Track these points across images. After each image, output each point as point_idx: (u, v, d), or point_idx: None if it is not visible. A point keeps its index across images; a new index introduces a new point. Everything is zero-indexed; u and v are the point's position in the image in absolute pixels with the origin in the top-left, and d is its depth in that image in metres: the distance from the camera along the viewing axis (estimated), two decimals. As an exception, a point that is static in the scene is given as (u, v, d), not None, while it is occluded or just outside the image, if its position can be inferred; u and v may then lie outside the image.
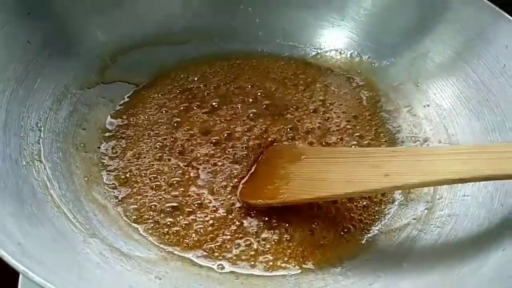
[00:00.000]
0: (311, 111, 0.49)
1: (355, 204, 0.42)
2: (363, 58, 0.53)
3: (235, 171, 0.44)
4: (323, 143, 0.46)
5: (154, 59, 0.51)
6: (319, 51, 0.54)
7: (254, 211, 0.41)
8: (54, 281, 0.28)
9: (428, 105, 0.49)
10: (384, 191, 0.42)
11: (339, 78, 0.53)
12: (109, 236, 0.37)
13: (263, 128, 0.47)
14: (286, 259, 0.38)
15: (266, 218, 0.40)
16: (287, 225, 0.40)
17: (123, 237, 0.38)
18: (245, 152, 0.45)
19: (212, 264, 0.38)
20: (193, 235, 0.39)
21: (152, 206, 0.41)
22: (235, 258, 0.38)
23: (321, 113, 0.49)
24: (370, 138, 0.47)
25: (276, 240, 0.39)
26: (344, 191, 0.38)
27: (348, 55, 0.54)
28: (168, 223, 0.40)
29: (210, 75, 0.52)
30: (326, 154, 0.43)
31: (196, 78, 0.51)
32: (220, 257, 0.38)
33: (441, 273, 0.34)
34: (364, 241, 0.40)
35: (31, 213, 0.35)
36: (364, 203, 0.42)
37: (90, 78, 0.48)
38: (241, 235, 0.39)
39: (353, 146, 0.46)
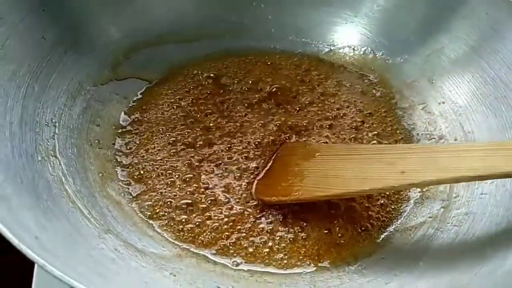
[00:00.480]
0: (325, 108, 0.48)
1: (372, 202, 0.41)
2: (377, 55, 0.52)
3: (250, 168, 0.43)
4: (338, 140, 0.45)
5: (167, 56, 0.50)
6: (332, 48, 0.53)
7: (270, 209, 0.40)
8: (71, 275, 0.27)
9: (443, 102, 0.48)
10: (401, 189, 0.41)
11: (353, 75, 0.51)
12: (124, 232, 0.37)
13: (277, 125, 0.46)
14: (301, 257, 0.37)
15: (282, 216, 0.40)
16: (303, 223, 0.39)
17: (137, 233, 0.38)
18: (259, 149, 0.44)
19: (227, 261, 0.37)
20: (208, 232, 0.39)
21: (167, 203, 0.40)
22: (249, 255, 0.38)
23: (335, 110, 0.48)
24: (385, 135, 0.46)
25: (291, 239, 0.39)
26: (360, 188, 0.37)
27: (362, 52, 0.53)
28: (183, 220, 0.39)
29: (222, 72, 0.51)
30: (340, 151, 0.42)
31: (208, 75, 0.50)
32: (235, 254, 0.38)
33: (459, 272, 0.34)
34: (380, 239, 0.39)
35: (47, 208, 0.34)
36: (382, 201, 0.41)
37: (104, 74, 0.47)
38: (256, 232, 0.39)
39: (368, 144, 0.45)
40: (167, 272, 0.35)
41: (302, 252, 0.38)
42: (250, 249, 0.38)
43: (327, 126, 0.47)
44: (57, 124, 0.42)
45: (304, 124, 0.47)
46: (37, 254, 0.28)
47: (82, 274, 0.29)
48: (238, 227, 0.39)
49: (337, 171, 0.39)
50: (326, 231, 0.39)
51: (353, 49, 0.53)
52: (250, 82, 0.50)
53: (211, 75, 0.50)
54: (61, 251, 0.30)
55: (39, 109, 0.41)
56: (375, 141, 0.46)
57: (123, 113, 0.46)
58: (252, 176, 0.42)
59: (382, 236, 0.39)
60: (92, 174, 0.41)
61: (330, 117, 0.47)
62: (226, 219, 0.40)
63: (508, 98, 0.43)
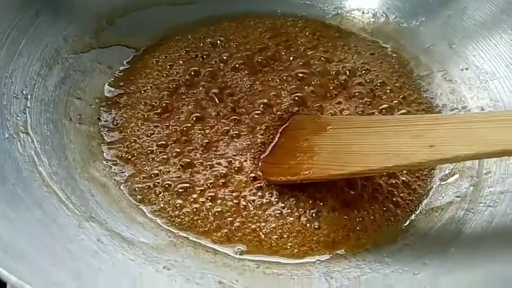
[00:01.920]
0: (333, 77, 0.41)
1: (394, 179, 0.35)
2: (389, 18, 0.46)
3: (255, 143, 0.37)
4: (349, 112, 0.39)
5: (156, 21, 0.44)
6: (339, 11, 0.47)
7: (278, 190, 0.34)
8: (37, 283, 0.21)
9: (466, 69, 0.41)
10: (431, 165, 0.35)
11: (362, 40, 0.45)
12: (109, 220, 0.31)
13: (282, 95, 0.40)
14: (314, 244, 0.32)
15: (292, 198, 0.34)
16: (316, 204, 0.33)
17: (125, 220, 0.32)
18: (264, 122, 0.38)
19: (229, 250, 0.31)
20: (207, 217, 0.33)
21: (160, 184, 0.34)
22: (256, 243, 0.32)
23: (344, 80, 0.41)
24: (402, 106, 0.40)
25: (303, 223, 0.33)
26: (381, 165, 0.31)
27: (372, 15, 0.46)
28: (178, 204, 0.33)
29: (218, 37, 0.44)
30: (356, 124, 0.35)
31: (203, 41, 0.43)
32: (238, 242, 0.32)
33: (499, 262, 0.28)
34: (406, 223, 0.33)
35: (14, 194, 0.28)
36: (404, 178, 0.35)
37: (85, 41, 0.41)
38: (263, 217, 0.33)
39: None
40: (159, 265, 0.29)
41: (315, 238, 0.32)
42: (256, 236, 0.32)
43: (338, 97, 0.40)
44: (28, 96, 0.35)
45: (311, 94, 0.40)
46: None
47: (55, 277, 0.23)
48: (242, 211, 0.33)
49: (354, 147, 0.33)
50: (342, 214, 0.33)
51: (363, 12, 0.47)
52: (249, 48, 0.43)
53: (207, 41, 0.44)
54: (29, 249, 0.24)
55: (6, 78, 0.35)
56: (391, 114, 0.39)
57: (107, 84, 0.40)
58: (258, 153, 0.36)
59: (409, 219, 0.33)
60: (72, 153, 0.35)
61: (339, 87, 0.41)
62: (228, 202, 0.33)
63: (541, 61, 0.37)
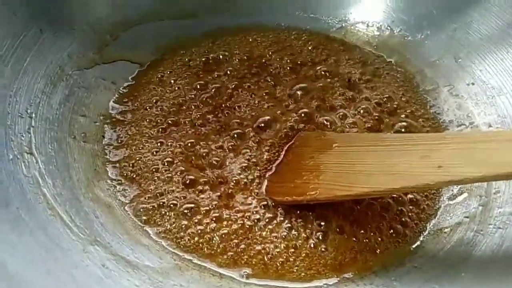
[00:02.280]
0: (339, 92, 0.41)
1: (402, 198, 0.34)
2: (394, 32, 0.45)
3: (261, 161, 0.36)
4: (353, 128, 0.38)
5: (159, 35, 0.43)
6: (343, 25, 0.46)
7: (284, 210, 0.33)
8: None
9: (473, 83, 0.41)
10: (439, 187, 0.34)
11: (367, 54, 0.44)
12: (113, 242, 0.30)
13: (287, 110, 0.39)
14: (321, 267, 0.31)
15: (299, 219, 0.33)
16: (322, 225, 0.33)
17: (130, 242, 0.31)
18: (270, 138, 0.37)
19: (235, 274, 0.31)
20: (212, 239, 0.32)
21: (165, 205, 0.34)
22: (262, 266, 0.31)
23: (350, 95, 0.40)
24: (407, 122, 0.39)
25: (310, 246, 0.32)
26: (389, 186, 0.30)
27: (377, 28, 0.45)
28: (183, 225, 0.33)
29: (223, 52, 0.43)
30: (362, 142, 0.35)
31: (207, 56, 0.43)
32: (244, 265, 0.31)
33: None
34: (414, 245, 0.32)
35: (18, 218, 0.28)
36: (411, 196, 0.34)
37: (88, 56, 0.40)
38: (269, 238, 0.32)
39: (389, 132, 0.38)
40: (165, 290, 0.28)
41: (323, 261, 0.31)
42: (262, 259, 0.31)
43: (342, 113, 0.39)
44: (33, 115, 0.35)
45: (316, 109, 0.39)
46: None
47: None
48: (248, 232, 0.32)
49: (360, 166, 0.32)
50: (349, 235, 0.32)
51: (367, 25, 0.46)
52: (254, 63, 0.43)
53: (211, 56, 0.43)
54: (32, 276, 0.24)
55: (10, 97, 0.34)
56: (396, 130, 0.38)
57: (112, 101, 0.39)
58: (264, 171, 0.35)
59: (418, 240, 0.32)
60: (76, 172, 0.34)
61: (345, 102, 0.40)
62: (233, 224, 0.33)
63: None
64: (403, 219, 0.33)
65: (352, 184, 0.32)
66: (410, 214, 0.34)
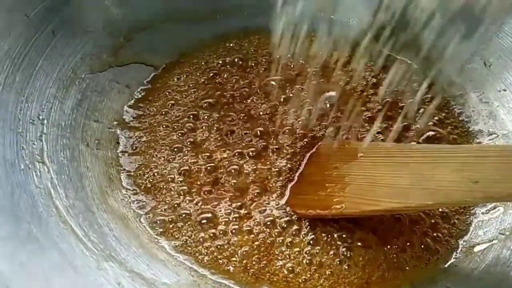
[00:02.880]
0: (363, 98, 0.38)
1: (432, 212, 0.31)
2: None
3: (283, 170, 0.34)
4: (378, 137, 0.36)
5: (175, 37, 0.41)
6: (366, 26, 0.43)
7: (308, 222, 0.31)
8: None
9: (504, 90, 0.38)
10: (475, 203, 0.32)
11: (390, 58, 0.42)
12: (129, 257, 0.28)
13: (310, 117, 0.36)
14: (347, 286, 0.29)
15: (323, 233, 0.31)
16: (347, 240, 0.30)
17: (145, 257, 0.29)
18: (292, 146, 0.35)
19: (256, 292, 0.29)
20: (232, 254, 0.30)
21: (182, 217, 0.32)
22: (284, 283, 0.29)
23: (370, 99, 0.38)
24: (436, 130, 0.37)
25: (335, 262, 0.30)
26: (421, 201, 0.28)
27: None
28: (200, 238, 0.31)
29: (240, 53, 0.41)
30: (390, 152, 0.32)
31: (224, 58, 0.40)
32: (266, 283, 0.29)
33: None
34: (447, 263, 0.30)
35: (29, 234, 0.26)
36: (441, 209, 0.32)
37: (102, 59, 0.38)
38: (291, 255, 0.30)
39: (413, 142, 0.36)
40: (183, 310, 0.27)
41: (348, 280, 0.29)
42: (284, 276, 0.29)
43: (366, 120, 0.37)
44: (45, 121, 0.33)
45: (339, 116, 0.37)
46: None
47: None
48: (269, 247, 0.30)
49: (389, 179, 0.30)
50: (377, 251, 0.30)
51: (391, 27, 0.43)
52: (272, 66, 0.40)
53: (228, 59, 0.41)
54: None
55: (22, 103, 0.32)
56: (422, 139, 0.36)
57: (126, 105, 0.37)
58: (286, 180, 0.33)
59: (450, 258, 0.30)
60: (89, 182, 0.32)
61: (370, 109, 0.37)
62: (254, 238, 0.31)
63: None
64: (434, 234, 0.31)
65: (380, 199, 0.30)
66: (440, 229, 0.31)
